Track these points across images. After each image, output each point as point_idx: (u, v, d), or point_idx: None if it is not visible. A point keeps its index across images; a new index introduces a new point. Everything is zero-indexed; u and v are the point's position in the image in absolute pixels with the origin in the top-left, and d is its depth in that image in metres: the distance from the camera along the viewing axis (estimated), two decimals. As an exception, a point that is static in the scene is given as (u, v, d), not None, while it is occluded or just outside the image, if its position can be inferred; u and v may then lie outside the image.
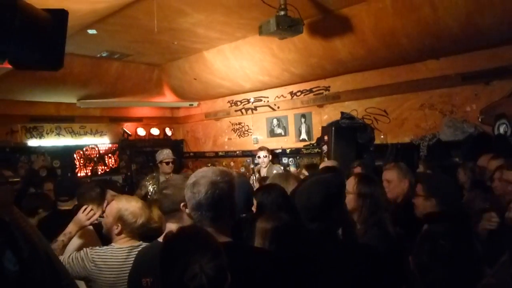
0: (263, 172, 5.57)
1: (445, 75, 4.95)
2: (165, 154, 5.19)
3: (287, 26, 3.30)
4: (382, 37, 4.43)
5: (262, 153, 5.76)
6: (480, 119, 4.71)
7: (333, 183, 1.96)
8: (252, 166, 5.68)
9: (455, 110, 5.01)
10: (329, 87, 6.12)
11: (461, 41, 4.30)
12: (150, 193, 5.03)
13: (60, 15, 1.78)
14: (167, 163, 5.15)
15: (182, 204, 1.79)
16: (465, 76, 4.80)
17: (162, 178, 5.10)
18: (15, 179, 1.83)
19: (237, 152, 7.54)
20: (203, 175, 1.59)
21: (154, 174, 5.33)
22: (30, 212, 3.29)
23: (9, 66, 1.59)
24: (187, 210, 1.62)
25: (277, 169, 5.63)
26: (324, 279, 1.72)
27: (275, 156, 6.70)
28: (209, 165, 7.03)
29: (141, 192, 5.11)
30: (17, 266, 1.70)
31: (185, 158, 8.76)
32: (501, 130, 4.26)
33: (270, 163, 5.77)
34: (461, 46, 4.48)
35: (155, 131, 8.36)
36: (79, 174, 7.14)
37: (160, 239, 1.92)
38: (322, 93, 6.21)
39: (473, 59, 4.69)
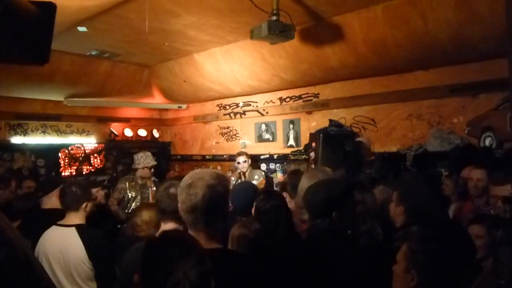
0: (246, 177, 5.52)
1: (433, 86, 5.01)
2: (149, 159, 5.01)
3: (278, 31, 3.30)
4: (373, 46, 4.46)
5: (241, 158, 5.57)
6: (466, 131, 4.76)
7: (338, 187, 2.09)
8: (239, 170, 5.57)
9: (442, 121, 5.06)
10: (318, 94, 6.15)
11: (451, 53, 4.35)
12: (130, 198, 4.91)
13: (47, 8, 1.73)
14: (148, 169, 5.05)
15: None
16: (453, 88, 4.86)
17: (140, 182, 5.00)
18: None
19: (225, 156, 7.50)
20: (200, 177, 1.55)
21: (131, 177, 5.11)
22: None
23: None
24: (180, 213, 1.57)
25: (258, 174, 5.60)
26: (321, 276, 1.79)
27: (255, 161, 6.69)
28: (203, 166, 6.99)
29: (118, 196, 4.97)
30: (-6, 266, 1.65)
31: (172, 161, 8.69)
32: (487, 142, 4.31)
33: (250, 168, 5.64)
34: (450, 58, 4.54)
35: (142, 133, 8.30)
36: (63, 174, 7.02)
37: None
38: (311, 99, 6.23)
39: (461, 72, 4.76)
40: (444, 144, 4.96)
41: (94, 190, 3.07)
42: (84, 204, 2.89)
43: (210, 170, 1.71)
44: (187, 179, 1.57)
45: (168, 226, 1.92)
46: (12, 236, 1.78)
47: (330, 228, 1.96)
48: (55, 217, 2.93)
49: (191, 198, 1.51)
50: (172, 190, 1.96)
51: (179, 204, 1.58)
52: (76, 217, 2.87)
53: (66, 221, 2.86)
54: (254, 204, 2.48)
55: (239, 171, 5.56)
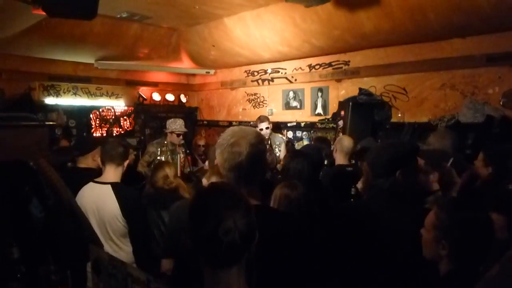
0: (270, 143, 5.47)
1: (469, 55, 4.82)
2: (178, 126, 5.10)
3: (315, -7, 3.22)
4: (410, 11, 4.31)
5: (264, 125, 5.43)
6: (502, 102, 4.63)
7: (403, 147, 2.15)
8: (267, 137, 5.47)
9: (476, 91, 4.91)
10: (349, 61, 6.02)
11: (490, 21, 4.17)
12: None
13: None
14: (178, 135, 5.11)
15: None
16: (490, 57, 4.68)
17: (170, 147, 5.09)
18: (52, 122, 1.84)
19: (251, 123, 7.51)
20: (242, 135, 1.57)
21: (163, 141, 5.23)
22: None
23: (43, 13, 1.58)
24: (221, 170, 1.61)
25: (279, 139, 5.58)
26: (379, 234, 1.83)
27: (280, 128, 6.69)
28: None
29: (149, 159, 5.09)
30: (43, 213, 1.75)
31: (199, 126, 8.78)
32: (523, 114, 4.19)
33: (272, 132, 5.57)
34: (490, 25, 4.35)
35: (170, 97, 8.36)
36: (94, 134, 7.21)
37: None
38: (341, 67, 6.12)
39: (500, 40, 4.56)
40: (478, 115, 4.81)
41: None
42: (125, 162, 2.99)
43: (250, 128, 1.72)
44: (228, 137, 1.59)
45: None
46: (59, 186, 1.88)
47: (391, 189, 1.97)
48: (90, 176, 3.06)
49: (234, 157, 1.53)
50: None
51: (218, 161, 1.60)
52: (113, 175, 2.98)
53: (103, 178, 2.98)
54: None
55: (267, 137, 5.42)
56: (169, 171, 3.49)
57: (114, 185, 2.92)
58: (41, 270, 1.44)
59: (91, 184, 2.98)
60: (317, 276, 1.56)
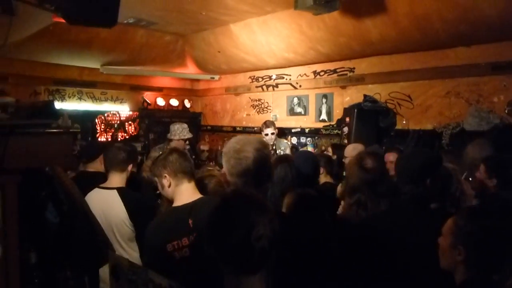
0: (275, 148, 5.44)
1: (474, 64, 4.84)
2: (186, 132, 5.04)
3: (324, 1, 3.24)
4: (416, 19, 4.34)
5: (269, 130, 5.35)
6: (506, 111, 4.63)
7: (433, 155, 2.19)
8: (271, 143, 5.45)
9: (481, 100, 4.92)
10: (354, 68, 6.05)
11: (496, 29, 4.19)
12: None
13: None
14: (185, 140, 5.09)
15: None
16: (495, 65, 4.70)
17: None
18: (76, 130, 1.86)
19: (255, 128, 7.53)
20: (247, 142, 1.60)
21: (165, 146, 5.12)
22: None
23: (63, 20, 1.59)
24: (228, 177, 1.63)
25: (284, 144, 5.57)
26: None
27: (284, 134, 6.69)
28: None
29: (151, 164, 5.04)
30: (58, 218, 1.76)
31: (202, 131, 8.80)
32: (529, 123, 4.20)
33: (277, 138, 5.52)
34: (495, 34, 4.37)
35: (174, 102, 8.37)
36: (99, 139, 7.22)
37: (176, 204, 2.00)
38: (346, 74, 6.14)
39: (505, 49, 4.58)
40: (483, 123, 4.82)
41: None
42: (130, 167, 3.00)
43: (253, 136, 1.76)
44: (233, 145, 1.62)
45: None
46: (74, 191, 1.89)
47: (419, 197, 2.00)
48: (97, 180, 3.06)
49: (241, 162, 1.56)
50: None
51: (225, 169, 1.62)
52: (118, 180, 2.99)
53: (108, 184, 2.98)
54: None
55: (271, 143, 5.31)
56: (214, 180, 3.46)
57: (120, 190, 2.93)
58: (59, 276, 1.45)
59: (96, 189, 2.98)
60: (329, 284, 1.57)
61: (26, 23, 4.03)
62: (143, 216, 2.94)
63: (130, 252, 2.97)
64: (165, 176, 2.09)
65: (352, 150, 3.90)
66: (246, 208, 1.12)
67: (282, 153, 5.47)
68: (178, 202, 2.04)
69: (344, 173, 2.56)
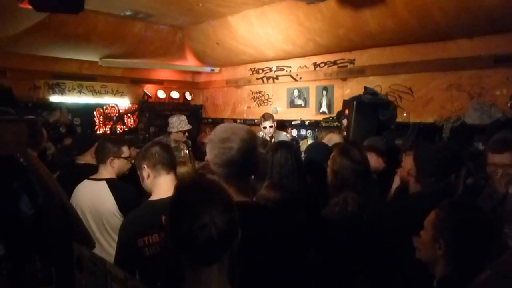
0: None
1: (477, 56, 4.73)
2: (184, 124, 5.06)
3: (316, -10, 3.17)
4: (415, 10, 4.24)
5: (268, 123, 5.32)
6: (509, 105, 4.51)
7: (458, 151, 2.16)
8: (262, 134, 5.37)
9: (484, 93, 4.82)
10: (354, 60, 5.96)
11: (499, 21, 4.08)
12: None
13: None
14: (184, 132, 5.09)
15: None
16: (498, 58, 4.58)
17: (173, 144, 5.05)
18: (31, 117, 1.82)
19: (256, 121, 7.48)
20: (233, 131, 1.54)
21: (164, 139, 5.17)
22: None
23: (29, 7, 1.55)
24: (212, 166, 1.58)
25: (283, 137, 5.52)
26: None
27: (285, 127, 6.64)
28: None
29: None
30: (33, 210, 1.73)
31: (203, 124, 8.78)
32: (531, 116, 4.10)
33: (276, 130, 5.49)
34: (498, 26, 4.26)
35: (175, 95, 8.36)
36: (98, 132, 7.23)
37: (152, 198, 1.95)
38: (347, 66, 6.06)
39: (508, 41, 4.46)
40: (484, 117, 4.73)
41: (125, 149, 3.12)
42: (110, 159, 2.96)
43: (241, 125, 1.70)
44: (219, 133, 1.56)
45: None
46: (50, 183, 1.86)
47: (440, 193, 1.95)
48: (88, 172, 3.05)
49: (225, 152, 1.50)
50: None
51: (209, 157, 1.57)
52: (106, 172, 2.98)
53: (98, 175, 2.98)
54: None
55: (263, 135, 5.27)
56: (186, 169, 3.43)
57: (109, 181, 2.92)
58: (27, 268, 1.42)
59: (86, 181, 2.99)
60: (305, 275, 1.53)
61: (18, 16, 4.01)
62: (133, 207, 2.93)
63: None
64: (144, 167, 2.05)
65: (327, 141, 3.86)
66: (195, 197, 1.09)
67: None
68: (155, 196, 2.01)
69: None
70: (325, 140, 4.01)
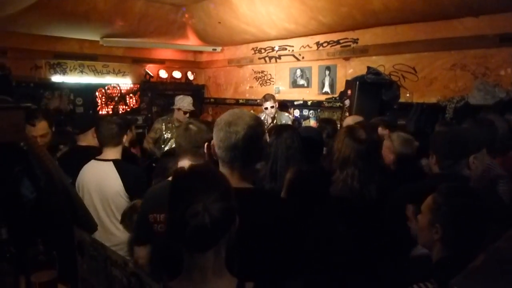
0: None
1: (482, 35, 4.67)
2: (186, 103, 5.06)
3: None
4: (419, -13, 4.17)
5: (269, 103, 5.29)
6: (514, 84, 4.50)
7: (476, 134, 2.28)
8: (264, 115, 5.37)
9: (488, 73, 4.78)
10: (357, 39, 5.89)
11: (505, -1, 4.02)
12: (166, 139, 5.01)
13: None
14: (185, 113, 5.09)
15: (206, 144, 1.77)
16: (503, 37, 4.53)
17: (176, 124, 5.05)
18: (28, 105, 1.82)
19: (258, 101, 7.45)
20: (239, 116, 1.53)
21: (168, 118, 5.20)
22: (52, 149, 3.37)
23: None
24: (216, 150, 1.57)
25: (286, 117, 5.50)
26: None
27: (287, 107, 6.60)
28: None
29: (154, 135, 5.08)
30: (34, 193, 1.75)
31: (206, 104, 8.76)
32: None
33: (278, 111, 5.47)
34: (504, 4, 4.20)
35: (177, 74, 8.30)
36: (100, 112, 7.23)
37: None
38: (350, 45, 5.99)
39: (514, 20, 4.41)
40: (488, 97, 4.70)
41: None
42: (124, 138, 3.00)
43: (248, 111, 1.70)
44: (226, 117, 1.55)
45: (184, 163, 1.98)
46: (51, 166, 1.88)
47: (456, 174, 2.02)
48: (91, 154, 3.07)
49: (231, 136, 1.49)
50: (192, 126, 2.01)
51: (214, 141, 1.57)
52: (113, 153, 2.99)
53: (104, 156, 2.99)
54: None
55: (265, 116, 5.28)
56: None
57: (115, 162, 2.95)
58: (30, 251, 1.45)
59: (92, 162, 3.01)
60: (303, 264, 1.54)
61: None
62: (139, 188, 2.96)
63: (126, 224, 3.00)
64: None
65: (351, 121, 3.84)
66: (190, 185, 1.09)
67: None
68: None
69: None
70: (348, 120, 4.00)
